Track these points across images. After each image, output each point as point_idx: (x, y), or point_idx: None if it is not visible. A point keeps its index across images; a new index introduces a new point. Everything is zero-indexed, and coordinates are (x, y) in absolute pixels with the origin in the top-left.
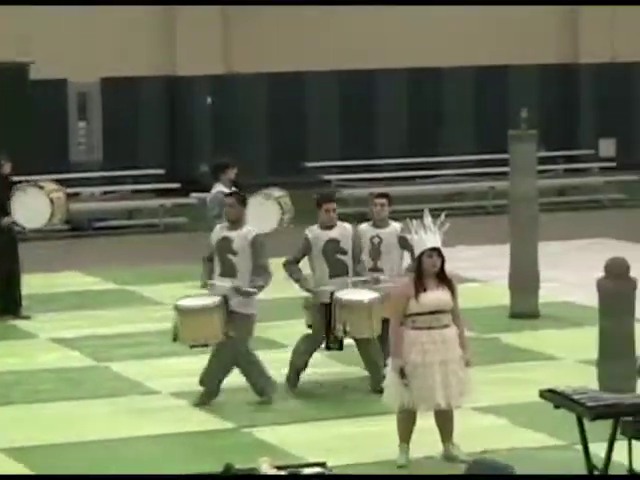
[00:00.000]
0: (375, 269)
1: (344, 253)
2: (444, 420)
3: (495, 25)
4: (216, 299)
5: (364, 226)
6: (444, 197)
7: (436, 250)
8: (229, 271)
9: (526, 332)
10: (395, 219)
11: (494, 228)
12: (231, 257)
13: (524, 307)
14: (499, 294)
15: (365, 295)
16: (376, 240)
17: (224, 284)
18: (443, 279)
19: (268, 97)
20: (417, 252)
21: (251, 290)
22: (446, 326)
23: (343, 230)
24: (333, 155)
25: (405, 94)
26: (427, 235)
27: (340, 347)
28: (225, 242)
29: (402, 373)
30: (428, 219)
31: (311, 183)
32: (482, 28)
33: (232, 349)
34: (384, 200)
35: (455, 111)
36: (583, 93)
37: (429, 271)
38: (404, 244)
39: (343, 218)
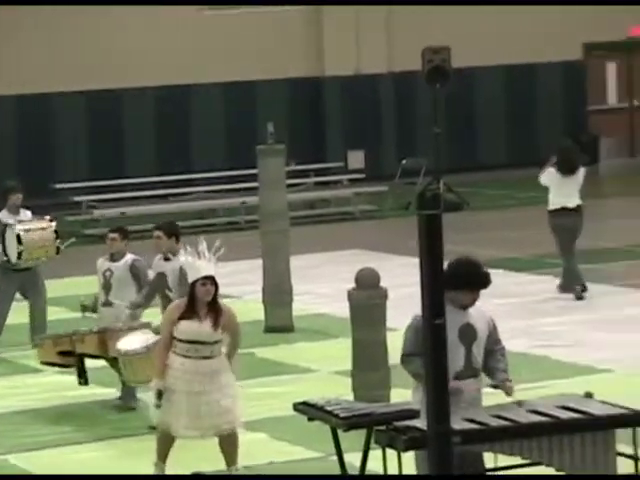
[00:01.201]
0: (107, 303)
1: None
2: (228, 445)
3: (240, 40)
4: None
5: (100, 260)
6: (197, 214)
7: (210, 278)
8: None
9: (281, 346)
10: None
11: (247, 243)
12: None
13: (278, 321)
14: (253, 309)
15: (135, 344)
16: (108, 273)
17: None
18: (214, 308)
19: (13, 119)
20: (191, 279)
21: None
22: (206, 357)
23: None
24: (82, 176)
25: (152, 112)
26: (201, 262)
27: (86, 382)
28: None
29: (158, 394)
30: (203, 245)
31: (61, 205)
32: (226, 44)
33: None
34: (114, 235)
35: (204, 127)
36: (330, 106)
37: (202, 299)
38: (136, 274)
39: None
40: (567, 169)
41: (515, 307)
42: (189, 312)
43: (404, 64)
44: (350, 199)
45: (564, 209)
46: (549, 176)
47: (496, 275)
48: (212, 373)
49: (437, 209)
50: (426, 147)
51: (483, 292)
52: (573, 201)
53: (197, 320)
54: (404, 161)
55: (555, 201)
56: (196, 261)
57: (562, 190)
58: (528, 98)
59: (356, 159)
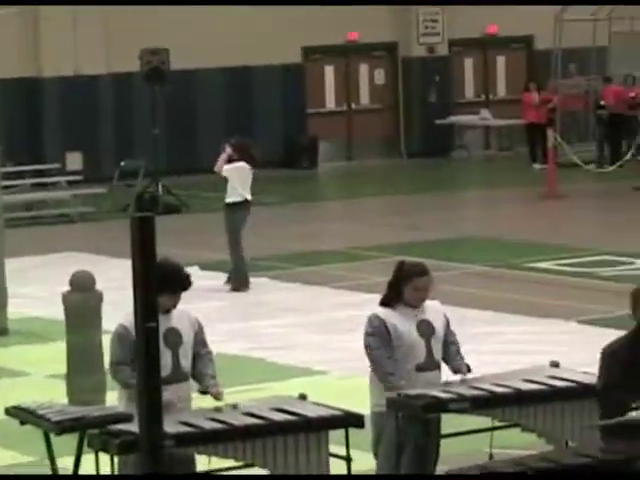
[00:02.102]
0: None
1: None
2: None
3: None
4: None
5: None
6: None
7: None
8: None
9: None
10: None
11: None
12: None
13: None
14: None
15: None
16: None
17: None
18: None
19: None
20: None
21: None
22: None
23: None
24: None
25: None
26: None
27: None
28: None
29: None
30: None
31: None
32: None
33: None
34: None
35: None
36: (48, 107)
37: None
38: None
39: None
40: (254, 163)
41: (231, 309)
42: None
43: (123, 65)
44: (68, 201)
45: (246, 201)
46: (239, 169)
47: (212, 278)
48: None
49: (155, 211)
50: (145, 149)
51: (200, 295)
52: (249, 194)
53: None
54: (123, 163)
55: (241, 193)
56: None
57: (246, 183)
58: (248, 100)
59: (74, 160)
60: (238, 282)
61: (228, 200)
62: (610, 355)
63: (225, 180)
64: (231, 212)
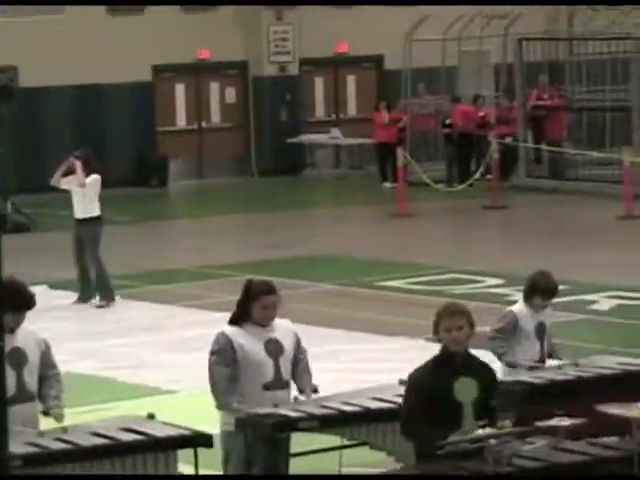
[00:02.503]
0: None
1: None
2: None
3: None
4: None
5: None
6: None
7: None
8: None
9: None
10: None
11: None
12: None
13: None
14: None
15: None
16: None
17: None
18: None
19: None
20: None
21: None
22: None
23: None
24: None
25: None
26: None
27: None
28: None
29: None
30: None
31: None
32: None
33: None
34: None
35: None
36: None
37: None
38: None
39: None
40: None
41: (81, 328)
42: None
43: None
44: None
45: (101, 215)
46: (97, 181)
47: (62, 297)
48: None
49: (3, 230)
50: None
51: (49, 314)
52: None
53: None
54: None
55: (98, 206)
56: None
57: (97, 196)
58: (98, 119)
59: None
60: (108, 296)
61: (91, 214)
62: (413, 381)
63: (68, 192)
64: (93, 226)
